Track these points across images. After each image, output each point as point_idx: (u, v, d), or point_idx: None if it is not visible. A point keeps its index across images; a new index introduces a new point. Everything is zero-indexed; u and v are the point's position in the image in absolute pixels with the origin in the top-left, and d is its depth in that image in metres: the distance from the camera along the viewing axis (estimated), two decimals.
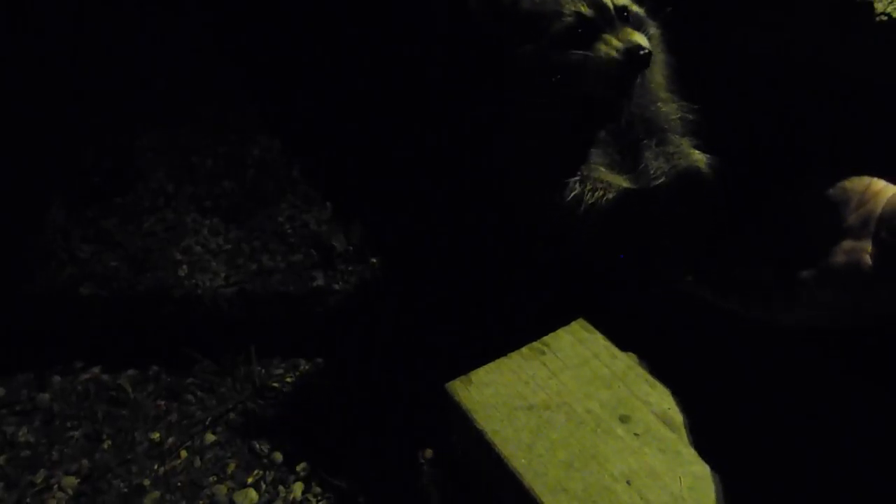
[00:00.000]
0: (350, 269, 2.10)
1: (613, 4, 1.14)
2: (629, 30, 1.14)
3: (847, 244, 0.77)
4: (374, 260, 2.12)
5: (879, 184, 0.79)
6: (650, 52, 1.11)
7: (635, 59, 1.11)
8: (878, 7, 1.05)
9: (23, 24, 3.32)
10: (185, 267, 2.18)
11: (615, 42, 1.12)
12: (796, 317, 0.86)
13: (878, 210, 0.76)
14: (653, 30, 1.24)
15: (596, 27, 1.14)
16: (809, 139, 1.26)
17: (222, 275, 2.14)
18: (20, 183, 2.59)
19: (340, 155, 2.60)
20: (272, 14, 3.24)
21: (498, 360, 1.16)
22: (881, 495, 0.82)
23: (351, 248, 2.16)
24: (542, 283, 1.47)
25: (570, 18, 1.14)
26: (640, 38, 1.12)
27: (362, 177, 2.48)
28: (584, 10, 1.13)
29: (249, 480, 1.54)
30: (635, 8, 1.21)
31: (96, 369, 1.83)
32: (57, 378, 1.81)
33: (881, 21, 1.05)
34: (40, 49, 3.19)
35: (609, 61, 1.12)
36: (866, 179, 0.80)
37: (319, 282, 2.08)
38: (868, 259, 0.74)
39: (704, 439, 0.95)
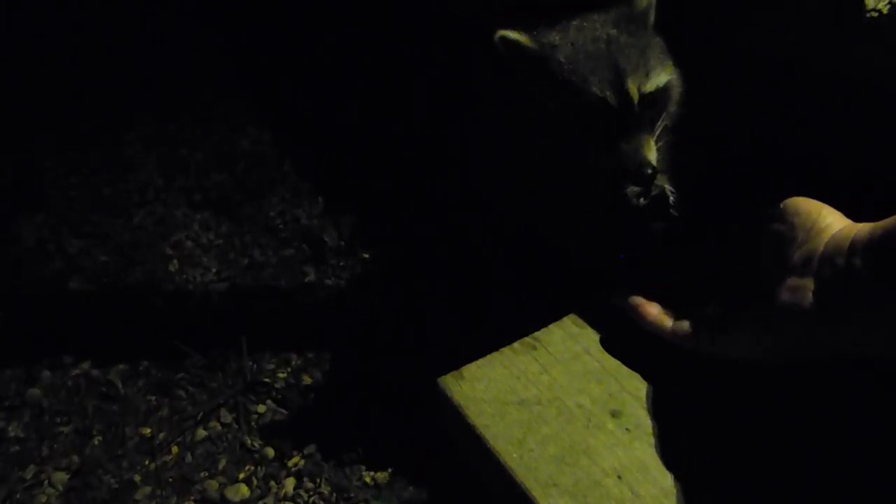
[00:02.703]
0: (342, 263, 2.10)
1: (640, 93, 1.08)
2: (646, 141, 1.09)
3: (791, 281, 0.76)
4: (366, 255, 2.12)
5: (826, 219, 0.77)
6: (656, 170, 1.09)
7: (638, 177, 1.09)
8: (869, 3, 1.06)
9: (23, 24, 3.31)
10: (175, 261, 2.17)
11: (624, 151, 1.08)
12: (742, 352, 0.86)
13: (821, 248, 0.75)
14: (671, 74, 1.17)
15: (614, 121, 1.09)
16: (810, 140, 1.26)
17: (213, 269, 2.13)
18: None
19: (332, 148, 2.59)
20: (267, 9, 3.23)
21: (490, 355, 1.16)
22: (881, 495, 0.82)
23: (342, 242, 2.16)
24: (534, 277, 1.47)
25: (593, 99, 1.08)
26: (650, 154, 1.08)
27: (354, 171, 2.47)
28: (610, 98, 1.08)
29: (241, 476, 1.54)
30: (663, 76, 1.13)
31: (86, 364, 1.82)
32: (46, 373, 1.80)
33: (871, 17, 1.05)
34: (40, 49, 3.18)
35: (609, 171, 1.10)
36: (814, 213, 0.78)
37: (311, 276, 2.07)
38: (810, 297, 0.73)
39: (673, 447, 0.95)
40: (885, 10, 1.05)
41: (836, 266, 0.71)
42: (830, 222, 0.77)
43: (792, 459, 0.89)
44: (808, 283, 0.75)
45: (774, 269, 0.80)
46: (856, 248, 0.70)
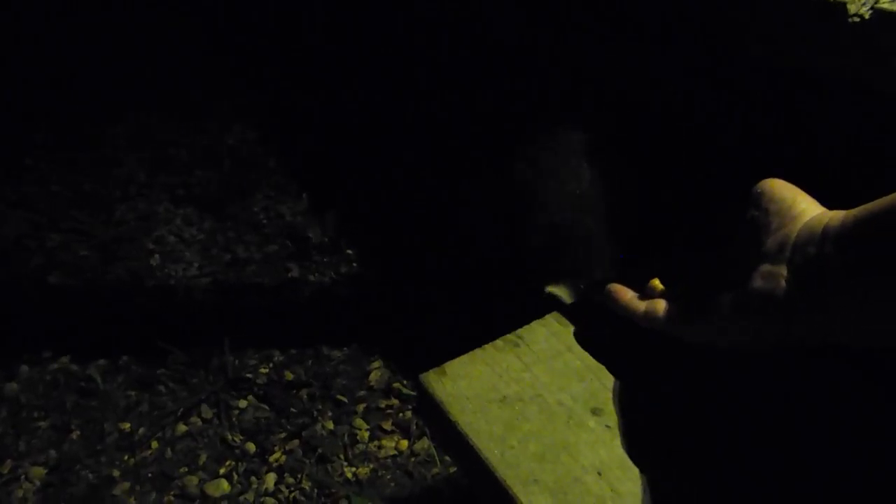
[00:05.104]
0: (325, 260, 2.09)
1: None
2: None
3: (765, 268, 0.76)
4: (350, 251, 2.11)
5: (800, 205, 0.77)
6: None
7: None
8: (851, 9, 1.07)
9: (22, 23, 3.29)
10: (157, 257, 2.15)
11: None
12: (716, 336, 0.86)
13: (794, 235, 0.75)
14: None
15: None
16: (809, 140, 1.28)
17: (195, 265, 2.12)
18: None
19: (317, 146, 2.59)
20: (254, 9, 3.23)
21: (472, 352, 1.16)
22: (881, 495, 0.83)
23: (326, 239, 2.15)
24: (518, 274, 1.48)
25: None
26: None
27: (339, 168, 2.47)
28: None
29: (221, 471, 1.53)
30: None
31: (65, 359, 1.80)
32: (24, 368, 1.78)
33: (854, 22, 1.06)
34: (40, 49, 3.16)
35: None
36: (789, 200, 0.79)
37: (294, 273, 2.07)
38: (783, 284, 0.73)
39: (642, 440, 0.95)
40: (867, 16, 1.06)
41: (808, 254, 0.71)
42: (804, 208, 0.76)
43: (792, 459, 0.90)
44: (782, 271, 0.74)
45: (750, 256, 0.80)
46: (828, 235, 0.70)
